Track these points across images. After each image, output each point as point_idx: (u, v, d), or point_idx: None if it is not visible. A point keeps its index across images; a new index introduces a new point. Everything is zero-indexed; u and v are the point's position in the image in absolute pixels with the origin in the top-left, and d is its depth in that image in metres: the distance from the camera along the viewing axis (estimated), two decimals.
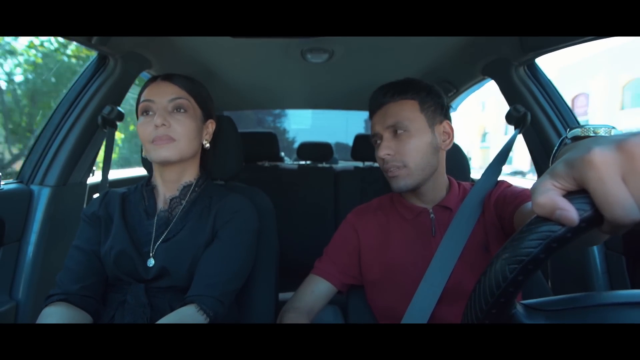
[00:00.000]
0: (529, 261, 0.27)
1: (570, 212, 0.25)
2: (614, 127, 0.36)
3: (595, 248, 0.99)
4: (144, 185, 0.82)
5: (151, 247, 0.74)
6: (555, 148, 0.41)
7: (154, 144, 0.73)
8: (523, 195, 0.67)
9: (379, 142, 0.79)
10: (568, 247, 0.27)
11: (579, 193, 0.26)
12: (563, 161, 0.27)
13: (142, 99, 0.76)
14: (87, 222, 0.77)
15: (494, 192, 0.75)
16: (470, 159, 1.19)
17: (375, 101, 0.80)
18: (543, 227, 0.27)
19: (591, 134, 0.37)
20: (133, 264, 0.72)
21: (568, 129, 0.40)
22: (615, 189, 0.24)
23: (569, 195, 0.27)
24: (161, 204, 0.80)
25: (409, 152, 0.74)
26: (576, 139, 0.38)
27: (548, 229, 0.26)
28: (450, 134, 0.80)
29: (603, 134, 0.36)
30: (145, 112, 0.75)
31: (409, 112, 0.75)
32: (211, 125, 0.84)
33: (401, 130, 0.74)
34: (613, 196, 0.24)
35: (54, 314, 0.66)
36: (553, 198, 0.26)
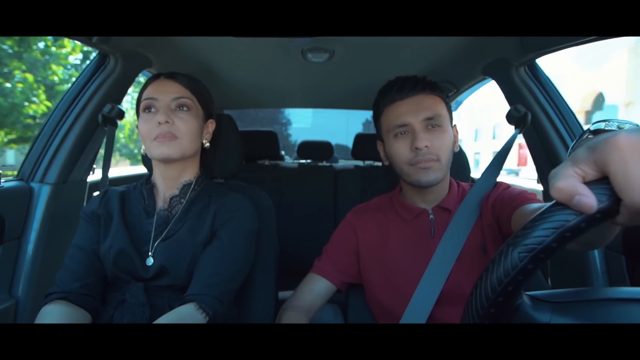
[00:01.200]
0: (540, 250, 0.27)
1: (590, 199, 0.25)
2: (638, 125, 0.36)
3: None
4: (143, 184, 0.82)
5: (150, 246, 0.74)
6: (576, 140, 0.40)
7: (156, 140, 0.73)
8: (521, 198, 0.67)
9: (406, 132, 0.75)
10: (569, 249, 0.27)
11: (597, 183, 0.26)
12: (585, 147, 0.27)
13: (144, 96, 0.76)
14: (87, 221, 0.77)
15: (492, 193, 0.74)
16: None
17: (401, 91, 0.76)
18: (557, 216, 0.26)
19: (615, 129, 0.37)
20: (132, 263, 0.72)
21: (593, 123, 0.39)
22: (637, 171, 0.24)
23: (587, 184, 0.26)
24: (160, 203, 0.80)
25: (442, 147, 0.74)
26: (597, 133, 0.37)
27: (562, 218, 0.26)
28: (456, 136, 0.81)
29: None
30: (148, 109, 0.75)
31: (441, 108, 0.76)
32: (211, 125, 0.84)
33: (437, 124, 0.74)
34: (635, 178, 0.24)
35: (53, 312, 0.66)
36: (574, 183, 0.26)
